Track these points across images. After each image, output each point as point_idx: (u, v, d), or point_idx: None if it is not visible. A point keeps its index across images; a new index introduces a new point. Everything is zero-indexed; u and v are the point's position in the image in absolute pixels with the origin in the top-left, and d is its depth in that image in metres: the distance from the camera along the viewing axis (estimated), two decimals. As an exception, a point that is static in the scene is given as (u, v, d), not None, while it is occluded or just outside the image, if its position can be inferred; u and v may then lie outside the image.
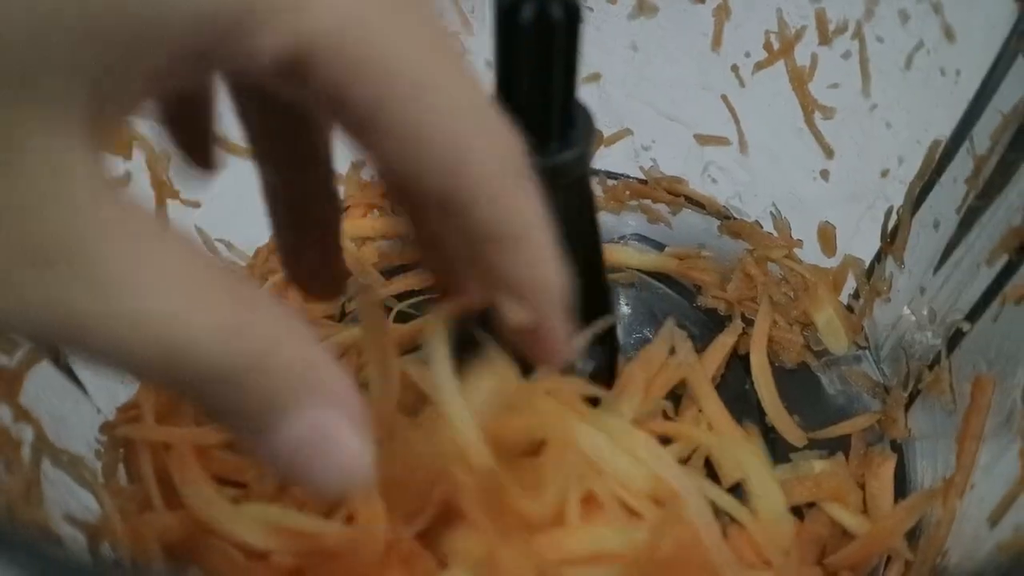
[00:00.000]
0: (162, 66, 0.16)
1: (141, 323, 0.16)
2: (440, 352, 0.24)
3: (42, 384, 0.32)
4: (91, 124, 0.16)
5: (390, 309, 0.42)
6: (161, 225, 0.17)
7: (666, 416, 0.39)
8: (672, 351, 0.41)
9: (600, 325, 0.34)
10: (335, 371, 0.19)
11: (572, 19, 0.24)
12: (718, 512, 0.35)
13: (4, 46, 0.15)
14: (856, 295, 0.44)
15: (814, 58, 0.42)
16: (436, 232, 0.22)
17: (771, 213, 0.47)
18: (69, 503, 0.30)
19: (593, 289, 0.33)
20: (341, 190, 0.39)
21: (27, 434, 0.27)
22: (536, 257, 0.21)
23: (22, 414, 0.27)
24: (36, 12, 0.14)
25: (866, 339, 0.43)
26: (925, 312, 0.39)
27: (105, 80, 0.16)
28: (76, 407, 0.33)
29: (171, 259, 0.17)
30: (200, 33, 0.16)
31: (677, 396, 0.40)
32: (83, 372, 0.34)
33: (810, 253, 0.46)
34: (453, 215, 0.19)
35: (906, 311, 0.41)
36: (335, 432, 0.19)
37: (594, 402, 0.35)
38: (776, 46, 0.42)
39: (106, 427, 0.34)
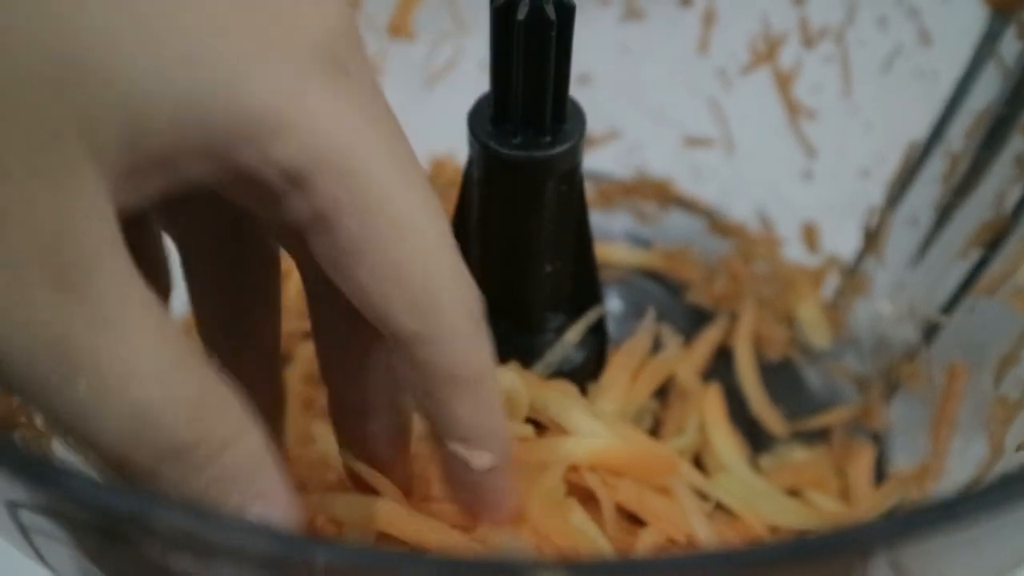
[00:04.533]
0: (197, 146, 0.17)
1: (132, 373, 0.17)
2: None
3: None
4: (115, 189, 0.17)
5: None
6: (150, 297, 0.18)
7: (654, 419, 0.40)
8: (656, 345, 0.42)
9: (592, 315, 0.35)
10: (281, 478, 0.19)
11: (565, 18, 0.26)
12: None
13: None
14: (838, 291, 0.45)
15: (797, 61, 0.43)
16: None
17: (756, 212, 0.48)
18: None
19: (584, 278, 0.34)
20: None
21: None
22: (492, 401, 0.21)
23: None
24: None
25: (848, 334, 0.45)
26: (904, 306, 0.41)
27: (141, 145, 0.16)
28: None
29: (159, 327, 0.17)
30: (247, 123, 0.17)
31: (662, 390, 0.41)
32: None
33: (794, 250, 0.47)
34: (419, 353, 0.20)
35: (886, 306, 0.42)
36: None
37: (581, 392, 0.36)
38: (761, 50, 0.44)
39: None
